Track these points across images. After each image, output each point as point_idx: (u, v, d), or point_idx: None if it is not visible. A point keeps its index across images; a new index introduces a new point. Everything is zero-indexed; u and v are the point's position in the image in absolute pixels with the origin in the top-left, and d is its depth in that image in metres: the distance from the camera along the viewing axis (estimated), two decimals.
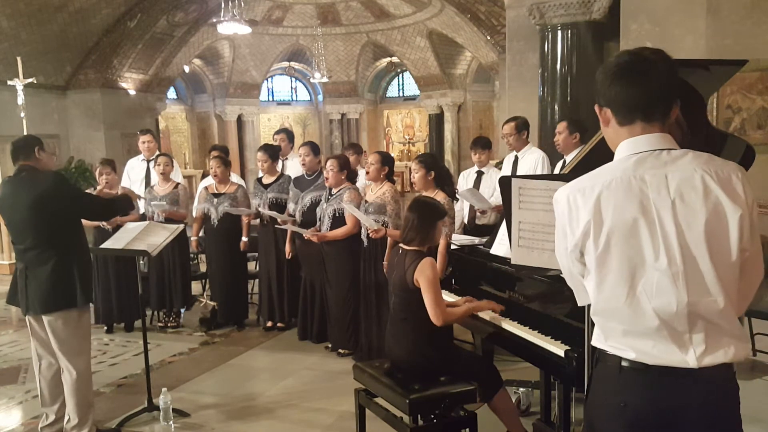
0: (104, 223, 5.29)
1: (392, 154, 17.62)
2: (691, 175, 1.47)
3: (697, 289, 1.45)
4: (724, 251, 1.45)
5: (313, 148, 5.30)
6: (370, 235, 4.43)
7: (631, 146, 1.55)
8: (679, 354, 1.47)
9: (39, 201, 3.31)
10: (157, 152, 6.54)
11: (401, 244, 3.11)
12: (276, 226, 5.24)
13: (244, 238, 5.59)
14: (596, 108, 1.62)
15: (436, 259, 3.14)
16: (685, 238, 1.45)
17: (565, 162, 4.70)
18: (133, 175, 6.45)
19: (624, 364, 1.52)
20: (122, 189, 5.44)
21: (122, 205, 4.09)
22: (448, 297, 3.29)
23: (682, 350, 1.47)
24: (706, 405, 1.49)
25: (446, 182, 4.36)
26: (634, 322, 1.49)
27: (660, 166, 1.50)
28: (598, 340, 1.60)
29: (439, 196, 4.18)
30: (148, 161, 6.37)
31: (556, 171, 4.74)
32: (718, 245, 1.45)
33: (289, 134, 6.28)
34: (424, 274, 2.88)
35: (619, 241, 1.48)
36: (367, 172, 4.69)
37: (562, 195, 1.57)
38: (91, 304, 4.21)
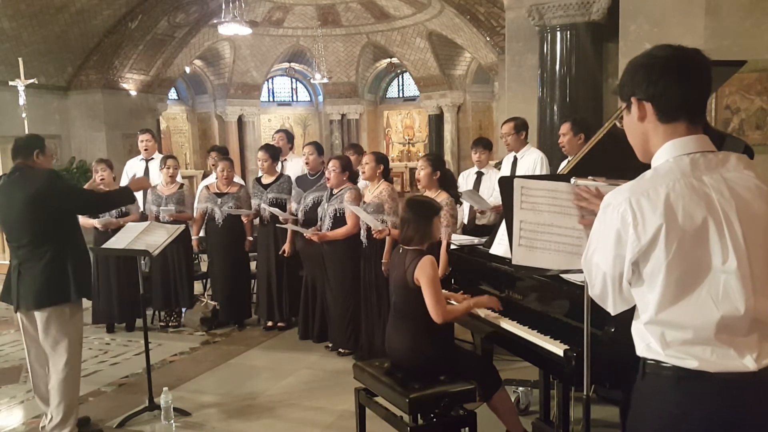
0: (98, 225, 5.29)
1: (391, 155, 17.54)
2: (744, 177, 1.46)
3: (762, 290, 1.43)
4: None
5: (318, 148, 5.33)
6: (374, 235, 4.44)
7: (680, 147, 1.49)
8: (737, 359, 1.43)
9: (34, 199, 3.32)
10: (157, 152, 6.57)
11: (401, 245, 3.13)
12: (277, 225, 5.26)
13: (249, 238, 5.62)
14: (633, 101, 1.54)
15: (435, 257, 3.16)
16: (750, 240, 1.43)
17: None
18: (132, 175, 6.47)
19: (683, 374, 1.45)
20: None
21: (118, 199, 4.05)
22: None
23: (740, 354, 1.43)
24: (766, 406, 1.47)
25: (450, 185, 4.39)
26: (697, 328, 1.44)
27: (714, 168, 1.46)
28: (648, 351, 1.51)
29: (442, 197, 4.21)
30: (147, 161, 6.39)
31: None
32: None
33: (288, 135, 6.30)
34: (424, 273, 2.90)
35: (689, 244, 1.42)
36: (363, 172, 4.71)
37: (621, 199, 1.46)
38: (90, 302, 4.19)
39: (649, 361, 1.52)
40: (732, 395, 1.44)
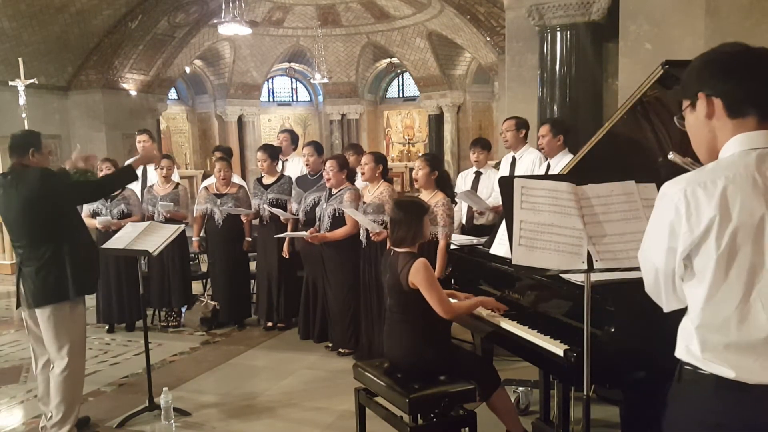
0: (99, 225, 5.31)
1: (391, 155, 17.51)
2: None
3: None
4: None
5: (317, 149, 5.33)
6: (372, 237, 4.45)
7: (747, 141, 1.43)
8: None
9: (29, 200, 3.34)
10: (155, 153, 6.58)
11: (392, 247, 3.09)
12: (276, 236, 5.25)
13: (248, 238, 5.62)
14: (701, 96, 1.49)
15: (429, 259, 3.14)
16: None
17: (549, 165, 4.65)
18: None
19: (721, 383, 1.39)
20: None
21: (114, 180, 3.94)
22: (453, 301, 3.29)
23: None
24: None
25: (447, 185, 4.39)
26: (742, 333, 1.36)
27: None
28: (687, 353, 1.45)
29: (438, 197, 4.21)
30: None
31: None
32: None
33: (293, 135, 6.30)
34: (420, 276, 2.87)
35: (743, 241, 1.35)
36: (363, 173, 4.72)
37: (676, 189, 1.41)
38: (94, 301, 4.16)
39: (686, 367, 1.47)
40: None
